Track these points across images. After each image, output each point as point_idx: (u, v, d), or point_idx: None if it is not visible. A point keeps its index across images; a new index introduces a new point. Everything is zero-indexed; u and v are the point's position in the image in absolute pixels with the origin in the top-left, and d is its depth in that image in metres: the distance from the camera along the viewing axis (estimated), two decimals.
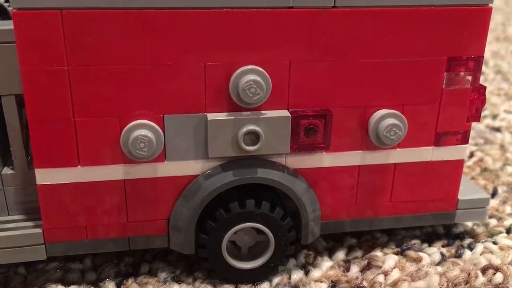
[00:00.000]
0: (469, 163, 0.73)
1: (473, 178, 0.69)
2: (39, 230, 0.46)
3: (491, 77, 1.11)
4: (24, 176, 0.47)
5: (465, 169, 0.69)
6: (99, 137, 0.44)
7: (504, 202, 0.64)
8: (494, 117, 0.90)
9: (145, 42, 0.42)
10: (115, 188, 0.46)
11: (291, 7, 0.43)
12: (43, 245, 0.46)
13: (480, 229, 0.58)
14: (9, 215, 0.48)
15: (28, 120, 0.43)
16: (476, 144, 0.79)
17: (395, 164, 0.50)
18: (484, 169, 0.72)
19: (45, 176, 0.44)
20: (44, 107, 0.42)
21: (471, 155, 0.75)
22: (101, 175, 0.45)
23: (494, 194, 0.65)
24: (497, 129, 0.85)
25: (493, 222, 0.59)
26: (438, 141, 0.50)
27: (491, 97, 0.98)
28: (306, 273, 0.51)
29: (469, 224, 0.59)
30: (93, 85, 0.42)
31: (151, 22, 0.41)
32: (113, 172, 0.45)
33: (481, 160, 0.74)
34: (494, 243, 0.56)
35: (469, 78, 0.49)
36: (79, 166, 0.44)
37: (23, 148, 0.47)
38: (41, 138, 0.43)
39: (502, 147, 0.78)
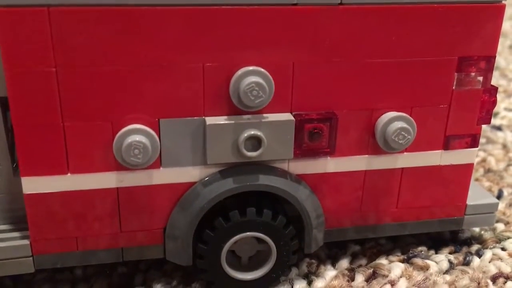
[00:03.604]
0: None
1: (477, 179, 0.67)
2: (26, 242, 0.43)
3: None
4: (10, 184, 0.44)
5: None
6: (90, 143, 0.41)
7: (510, 205, 0.61)
8: (495, 115, 0.88)
9: (139, 41, 0.39)
10: (108, 196, 0.43)
11: (295, 4, 0.40)
12: (31, 258, 0.44)
13: (487, 235, 0.56)
14: None
15: (14, 125, 0.40)
16: None
17: (402, 169, 0.48)
18: (488, 170, 0.70)
19: (32, 185, 0.41)
20: (31, 111, 0.39)
21: None
22: (93, 183, 0.42)
23: (499, 196, 0.63)
24: (498, 128, 0.83)
25: (500, 226, 0.57)
26: (447, 144, 0.48)
27: None
28: (309, 283, 0.48)
29: (476, 229, 0.56)
30: (83, 87, 0.39)
31: (145, 20, 0.38)
32: (105, 180, 0.42)
33: (484, 160, 0.72)
34: (503, 249, 0.54)
35: (480, 78, 0.47)
36: (68, 174, 0.42)
37: (9, 153, 0.44)
38: (28, 144, 0.40)
39: (505, 147, 0.76)
